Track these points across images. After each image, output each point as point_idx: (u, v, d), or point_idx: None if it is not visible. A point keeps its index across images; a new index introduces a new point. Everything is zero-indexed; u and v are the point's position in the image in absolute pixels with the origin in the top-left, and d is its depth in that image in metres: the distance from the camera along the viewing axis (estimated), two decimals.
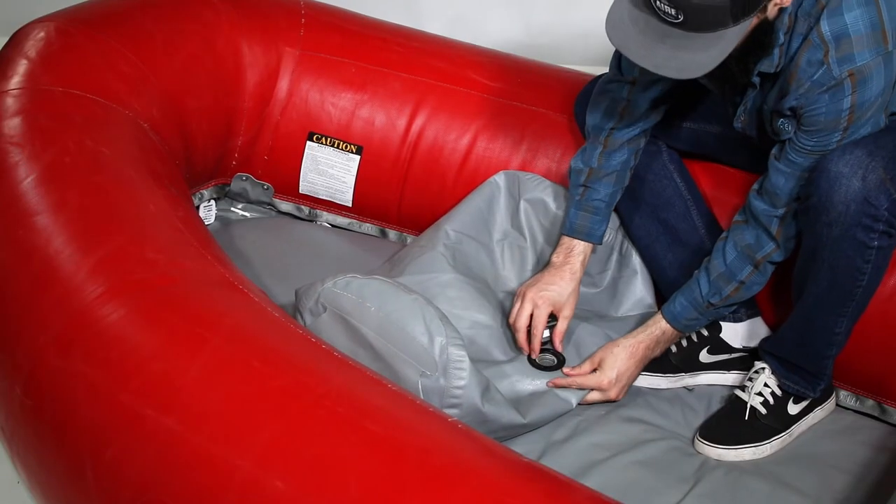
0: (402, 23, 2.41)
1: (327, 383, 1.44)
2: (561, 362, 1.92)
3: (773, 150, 1.76)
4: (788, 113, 1.69)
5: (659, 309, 1.94)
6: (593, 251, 1.98)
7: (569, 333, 1.96)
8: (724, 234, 1.87)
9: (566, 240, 1.97)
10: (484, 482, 1.31)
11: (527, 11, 3.28)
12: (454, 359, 1.74)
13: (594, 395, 1.91)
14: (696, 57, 1.53)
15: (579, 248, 1.95)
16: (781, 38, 1.65)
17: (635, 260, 2.08)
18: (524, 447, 1.81)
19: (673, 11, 1.49)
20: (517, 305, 1.94)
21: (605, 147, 1.93)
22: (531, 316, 1.92)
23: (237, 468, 1.35)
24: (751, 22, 1.54)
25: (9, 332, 1.60)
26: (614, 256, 2.10)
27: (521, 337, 1.93)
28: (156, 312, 1.54)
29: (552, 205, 2.10)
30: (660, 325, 1.91)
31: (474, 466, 1.34)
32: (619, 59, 1.88)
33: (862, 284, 1.71)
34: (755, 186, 1.81)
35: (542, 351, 1.93)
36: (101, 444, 1.44)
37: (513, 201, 2.13)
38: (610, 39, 1.57)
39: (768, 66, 1.68)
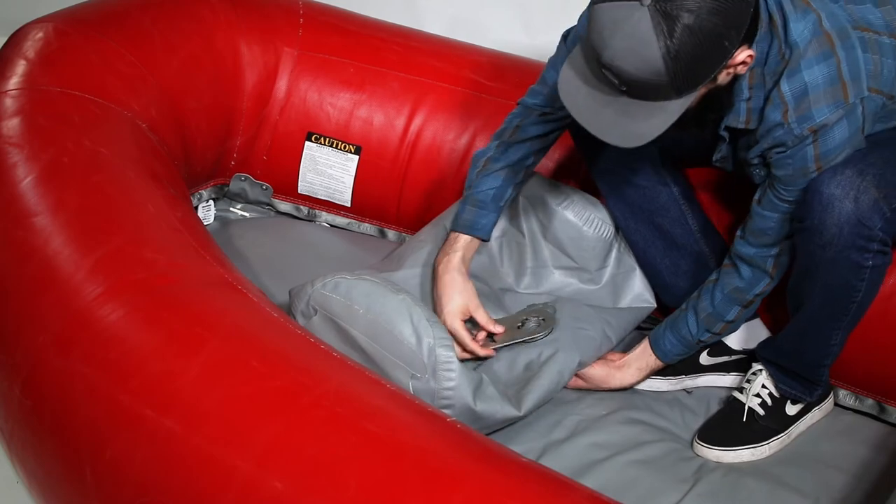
0: (401, 23, 2.41)
1: (326, 383, 1.44)
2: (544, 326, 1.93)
3: (756, 196, 1.75)
4: (756, 161, 1.70)
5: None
6: (479, 249, 1.93)
7: (568, 318, 1.96)
8: (713, 276, 1.87)
9: (450, 235, 1.92)
10: (483, 482, 1.31)
11: (527, 11, 3.28)
12: (442, 360, 1.73)
13: (580, 383, 1.96)
14: (638, 126, 1.52)
15: (460, 242, 1.90)
16: (746, 92, 1.63)
17: (633, 257, 2.08)
18: (524, 447, 1.81)
19: (616, 81, 1.48)
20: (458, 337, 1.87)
21: (510, 137, 1.90)
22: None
23: (236, 468, 1.35)
24: (698, 92, 1.52)
25: (8, 332, 1.60)
26: (613, 253, 2.09)
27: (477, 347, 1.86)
28: (155, 312, 1.54)
29: (551, 202, 2.09)
30: (649, 362, 1.95)
31: (474, 466, 1.34)
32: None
33: (857, 300, 1.71)
34: (739, 233, 1.81)
35: (524, 324, 1.93)
36: (101, 444, 1.44)
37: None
38: (561, 98, 1.56)
39: (734, 121, 1.67)
